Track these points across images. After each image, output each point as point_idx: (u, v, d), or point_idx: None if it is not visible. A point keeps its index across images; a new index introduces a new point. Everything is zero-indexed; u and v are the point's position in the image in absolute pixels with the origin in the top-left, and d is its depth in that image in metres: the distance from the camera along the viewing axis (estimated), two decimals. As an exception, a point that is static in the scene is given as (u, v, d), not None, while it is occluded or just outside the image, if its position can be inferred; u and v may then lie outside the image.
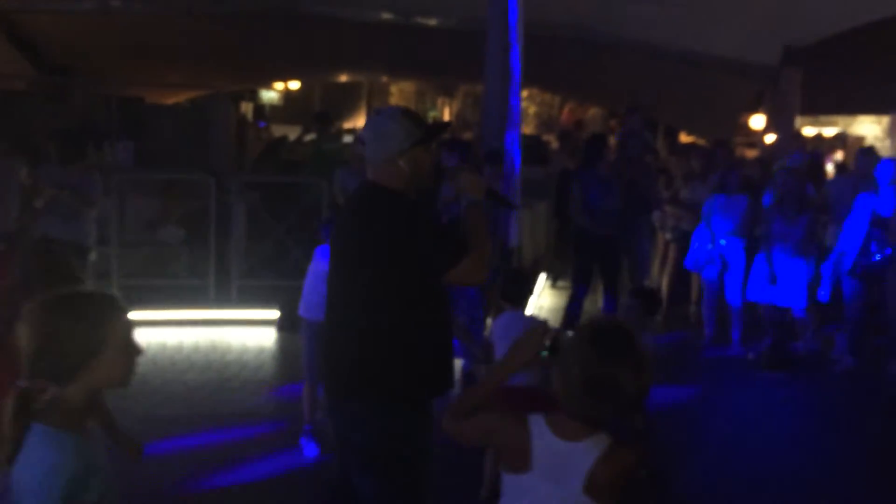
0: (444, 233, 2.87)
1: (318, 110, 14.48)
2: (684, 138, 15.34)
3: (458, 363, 5.31)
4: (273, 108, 19.72)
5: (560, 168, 10.03)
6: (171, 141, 10.50)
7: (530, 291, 7.58)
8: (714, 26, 11.01)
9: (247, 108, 17.91)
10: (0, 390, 2.80)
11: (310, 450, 4.82)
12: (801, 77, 12.19)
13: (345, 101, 21.76)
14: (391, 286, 2.78)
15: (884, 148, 13.93)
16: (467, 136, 15.26)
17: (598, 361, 1.92)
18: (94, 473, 1.92)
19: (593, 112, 20.66)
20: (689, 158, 8.53)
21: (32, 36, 11.93)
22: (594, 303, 7.79)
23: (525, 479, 2.01)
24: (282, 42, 12.46)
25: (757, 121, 14.30)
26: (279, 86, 19.42)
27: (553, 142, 15.18)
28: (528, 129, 17.77)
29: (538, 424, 2.03)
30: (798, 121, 12.59)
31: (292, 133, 13.26)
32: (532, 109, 21.41)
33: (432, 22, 11.36)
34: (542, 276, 9.44)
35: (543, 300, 8.91)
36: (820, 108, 14.73)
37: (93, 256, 6.53)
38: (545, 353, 2.10)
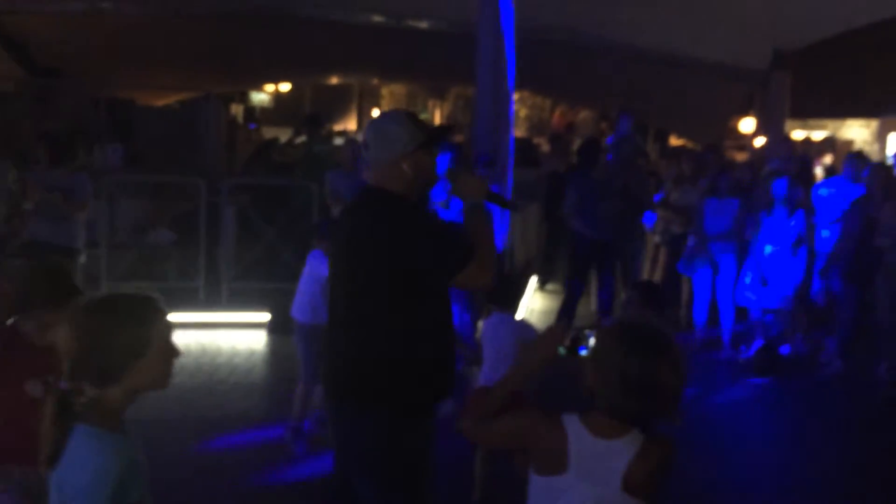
0: (451, 236, 2.83)
1: (308, 112, 14.48)
2: (674, 141, 15.41)
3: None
4: (263, 110, 19.71)
5: (550, 170, 10.05)
6: (161, 143, 10.47)
7: (520, 294, 7.59)
8: (704, 30, 11.05)
9: (237, 110, 17.89)
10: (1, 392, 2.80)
11: (297, 447, 4.84)
12: (791, 81, 12.26)
13: (335, 104, 21.76)
14: (394, 290, 2.75)
15: (872, 152, 14.01)
16: (458, 138, 15.26)
17: (638, 361, 1.94)
18: (137, 473, 1.95)
19: (584, 115, 20.70)
20: (680, 162, 8.57)
21: (21, 37, 11.85)
22: (586, 305, 7.81)
23: (560, 481, 2.01)
24: (272, 44, 12.43)
25: (746, 124, 14.38)
26: (270, 88, 19.42)
27: (544, 144, 15.21)
28: (519, 131, 17.78)
29: (573, 424, 2.03)
30: (787, 124, 12.66)
31: (283, 135, 13.24)
32: (523, 112, 21.43)
33: (423, 25, 11.35)
34: (533, 279, 9.45)
35: (534, 302, 8.92)
36: (809, 112, 14.83)
37: (82, 259, 6.50)
38: (563, 352, 2.11)
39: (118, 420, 1.97)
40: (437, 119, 22.33)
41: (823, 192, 7.66)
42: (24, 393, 2.76)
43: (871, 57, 12.95)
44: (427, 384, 2.83)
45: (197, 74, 14.42)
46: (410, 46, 12.13)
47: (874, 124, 16.46)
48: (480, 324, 5.55)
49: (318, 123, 10.10)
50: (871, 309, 6.64)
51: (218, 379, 6.09)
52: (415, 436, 2.80)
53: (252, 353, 6.80)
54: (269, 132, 15.66)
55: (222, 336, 7.10)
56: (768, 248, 6.74)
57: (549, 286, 9.65)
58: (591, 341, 2.11)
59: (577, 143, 13.17)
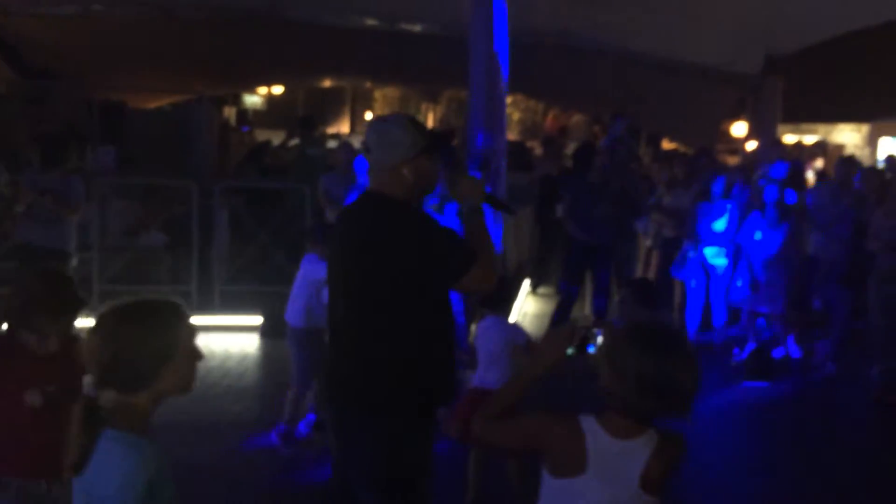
0: (453, 241, 2.80)
1: (301, 115, 14.44)
2: (666, 145, 15.44)
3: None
4: (256, 112, 19.65)
5: (543, 174, 10.05)
6: (153, 145, 10.44)
7: (512, 298, 7.60)
8: (697, 35, 11.09)
9: (230, 112, 17.83)
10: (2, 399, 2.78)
11: (281, 448, 4.83)
12: (783, 85, 12.34)
13: (328, 107, 21.74)
14: (397, 297, 2.72)
15: (863, 156, 14.09)
16: (453, 141, 15.24)
17: (655, 361, 1.95)
18: (166, 478, 1.95)
19: (577, 118, 20.72)
20: (672, 165, 8.58)
21: (13, 39, 11.81)
22: (579, 309, 7.81)
23: (577, 482, 2.01)
24: (265, 47, 12.41)
25: (739, 128, 14.45)
26: (263, 90, 19.37)
27: (537, 148, 15.21)
28: (512, 135, 17.80)
29: (590, 425, 2.03)
30: (779, 128, 12.72)
31: (276, 138, 13.23)
32: (516, 115, 21.45)
33: (417, 28, 11.36)
34: (526, 282, 9.45)
35: (526, 306, 8.92)
36: (801, 117, 14.92)
37: (74, 262, 6.48)
38: (571, 352, 2.11)
39: (146, 425, 1.98)
40: (430, 122, 22.33)
41: (815, 196, 7.67)
42: (23, 403, 2.74)
43: (862, 62, 13.04)
44: (429, 391, 2.81)
45: (189, 77, 14.38)
46: (404, 50, 12.13)
47: (865, 129, 16.55)
48: (473, 327, 5.56)
49: (311, 126, 10.08)
50: (863, 312, 6.67)
51: (210, 382, 6.07)
52: (417, 442, 2.78)
53: (244, 357, 6.78)
54: (261, 135, 15.64)
55: (214, 339, 7.07)
56: (760, 252, 6.76)
57: (542, 289, 9.65)
58: (599, 339, 2.11)
59: (570, 147, 13.20)
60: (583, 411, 2.10)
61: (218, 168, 11.58)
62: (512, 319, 7.12)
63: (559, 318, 7.17)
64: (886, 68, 14.35)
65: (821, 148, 16.01)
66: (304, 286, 4.92)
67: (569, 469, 2.02)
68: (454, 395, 2.93)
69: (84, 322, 3.05)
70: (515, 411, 2.17)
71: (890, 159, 9.81)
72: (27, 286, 2.88)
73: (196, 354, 2.04)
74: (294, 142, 10.27)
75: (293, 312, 4.98)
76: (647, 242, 8.40)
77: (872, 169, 8.36)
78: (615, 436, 2.01)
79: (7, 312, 2.86)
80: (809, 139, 16.99)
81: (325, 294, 4.76)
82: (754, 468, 5.05)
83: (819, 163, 12.39)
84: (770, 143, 11.16)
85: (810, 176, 10.66)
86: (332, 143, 12.19)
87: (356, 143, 9.80)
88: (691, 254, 7.29)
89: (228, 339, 7.15)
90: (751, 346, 6.89)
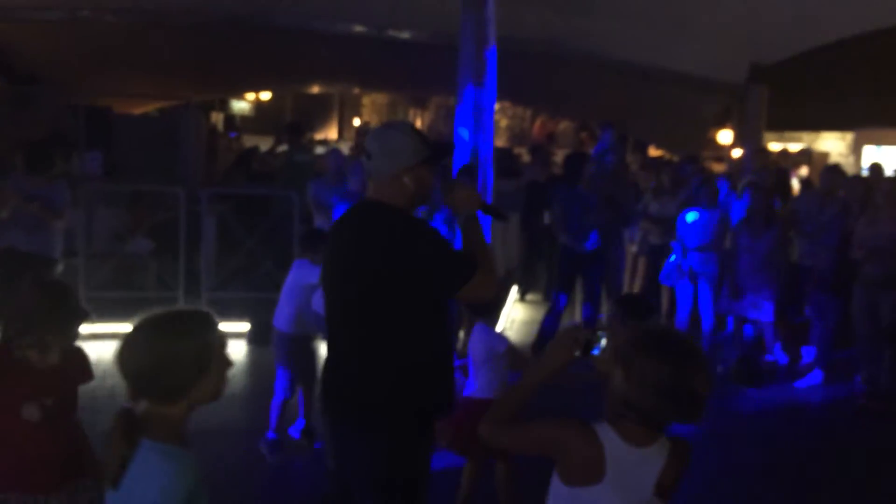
0: (455, 250, 2.79)
1: (289, 121, 14.43)
2: (653, 152, 15.52)
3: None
4: (244, 118, 19.65)
5: (530, 180, 10.08)
6: (140, 151, 10.39)
7: (500, 305, 7.60)
8: (683, 44, 11.17)
9: (217, 118, 17.81)
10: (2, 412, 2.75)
11: (269, 456, 4.81)
12: (768, 94, 12.43)
13: (316, 112, 21.75)
14: (396, 306, 2.70)
15: (847, 164, 14.20)
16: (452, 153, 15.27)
17: (675, 369, 1.96)
18: (202, 487, 1.95)
19: (565, 125, 20.82)
20: (659, 173, 8.64)
21: (-1, 44, 11.76)
22: (569, 315, 7.82)
23: (592, 491, 2.01)
24: (253, 53, 12.41)
25: (724, 136, 14.53)
26: (250, 96, 19.36)
27: (525, 155, 15.27)
28: (499, 142, 17.85)
29: (606, 433, 2.03)
30: (764, 136, 12.81)
31: (263, 144, 13.21)
32: (504, 122, 21.52)
33: (405, 35, 11.38)
34: (514, 289, 9.47)
35: (514, 313, 8.93)
36: (785, 125, 15.02)
37: (59, 268, 6.44)
38: (577, 355, 2.12)
39: (181, 434, 1.99)
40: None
41: (800, 204, 7.72)
42: (19, 417, 2.71)
43: (846, 70, 13.16)
44: (429, 400, 2.79)
45: (177, 82, 14.35)
46: (392, 56, 12.16)
47: (849, 137, 16.68)
48: (461, 334, 5.56)
49: (299, 132, 10.07)
50: (849, 320, 6.72)
51: (197, 389, 6.03)
52: (416, 451, 2.77)
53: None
54: (249, 141, 15.62)
55: (201, 346, 7.03)
56: (742, 257, 6.81)
57: (530, 296, 9.67)
58: (603, 343, 2.12)
59: (557, 154, 13.25)
60: (578, 416, 2.10)
61: (205, 174, 11.54)
62: (500, 327, 7.14)
63: (548, 325, 7.19)
64: (871, 77, 14.48)
65: (805, 155, 16.15)
66: (294, 291, 4.88)
67: (585, 478, 2.01)
68: (452, 404, 2.91)
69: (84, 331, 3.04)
70: (525, 416, 2.16)
71: (874, 167, 9.90)
72: (29, 299, 2.83)
73: (227, 362, 2.06)
74: (282, 148, 10.25)
75: (282, 318, 4.94)
76: (633, 249, 8.44)
77: (857, 177, 8.41)
78: (632, 444, 2.02)
79: (8, 326, 2.80)
80: (794, 147, 17.11)
81: (314, 299, 4.77)
82: (740, 475, 5.07)
83: (804, 170, 12.50)
84: (755, 150, 11.23)
85: (795, 183, 10.74)
86: (320, 150, 12.18)
87: (345, 149, 9.80)
88: (678, 261, 7.32)
89: (215, 345, 7.10)
90: (738, 352, 6.93)
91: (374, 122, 21.37)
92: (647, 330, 2.15)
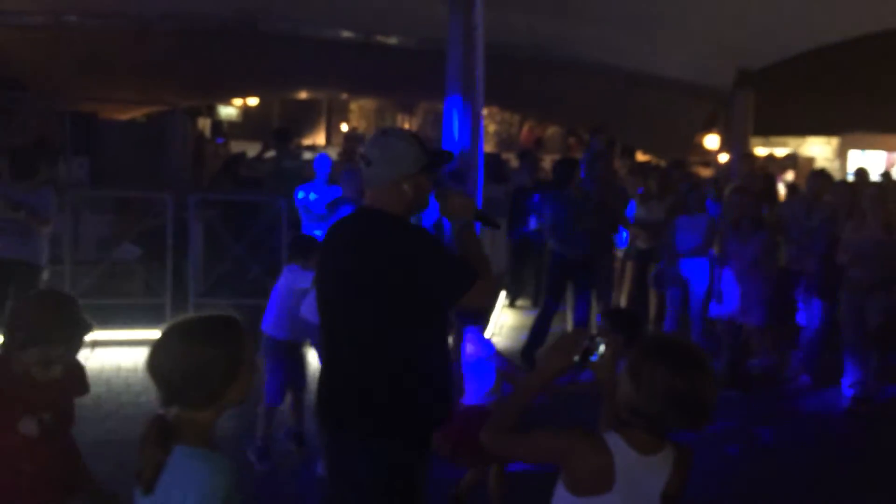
0: (455, 258, 2.76)
1: (277, 127, 14.39)
2: (640, 157, 15.59)
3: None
4: (231, 124, 19.56)
5: (517, 185, 10.09)
6: (126, 157, 10.33)
7: (489, 310, 7.60)
8: (670, 49, 11.23)
9: (204, 124, 17.71)
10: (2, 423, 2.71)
11: (257, 464, 4.78)
12: (754, 99, 12.51)
13: (304, 118, 21.69)
14: (395, 315, 2.67)
15: (833, 169, 14.30)
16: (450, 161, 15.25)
17: (685, 378, 1.97)
18: (239, 490, 1.95)
19: (553, 131, 20.86)
20: (646, 178, 8.67)
21: (-16, 49, 11.69)
22: (560, 321, 7.82)
23: (600, 500, 2.01)
24: (241, 58, 12.38)
25: (711, 141, 14.63)
26: (238, 102, 19.29)
27: (513, 160, 15.28)
28: (487, 147, 17.85)
29: (615, 441, 2.03)
30: (751, 141, 12.90)
31: (251, 149, 13.15)
32: (492, 128, 21.54)
33: (393, 40, 11.40)
34: (502, 295, 9.47)
35: (503, 318, 8.93)
36: (772, 130, 15.14)
37: (46, 275, 6.39)
38: (577, 360, 2.12)
39: (212, 438, 1.99)
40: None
41: (787, 209, 7.75)
42: (16, 432, 2.66)
43: (832, 76, 13.28)
44: (428, 412, 2.77)
45: (163, 88, 14.30)
46: (380, 62, 12.16)
47: (835, 141, 16.83)
48: (450, 339, 5.55)
49: (287, 138, 10.04)
50: (837, 324, 6.75)
51: (184, 397, 5.99)
52: (414, 464, 2.74)
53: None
54: (237, 146, 15.54)
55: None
56: (732, 264, 6.83)
57: (519, 302, 9.67)
58: (602, 349, 2.12)
59: (545, 160, 13.27)
60: (581, 420, 2.11)
61: (193, 180, 11.50)
62: (489, 332, 7.13)
63: (538, 330, 7.17)
64: (856, 82, 14.62)
65: (792, 160, 16.26)
66: (285, 296, 4.85)
67: (595, 487, 2.01)
68: (450, 414, 2.89)
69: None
70: (527, 424, 2.16)
71: (859, 172, 9.97)
72: (33, 312, 2.74)
73: (255, 367, 2.07)
74: (269, 153, 10.22)
75: (271, 323, 4.90)
76: (620, 254, 8.46)
77: (844, 182, 8.47)
78: (640, 452, 2.02)
79: (9, 339, 2.71)
80: (780, 152, 17.25)
81: (303, 306, 4.74)
82: (728, 478, 5.08)
83: (790, 175, 12.58)
84: (741, 155, 11.30)
85: (781, 188, 10.81)
86: (307, 155, 12.14)
87: (333, 154, 9.78)
88: (668, 266, 7.34)
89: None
90: (726, 357, 6.94)
91: (362, 127, 21.34)
92: (655, 338, 2.16)
